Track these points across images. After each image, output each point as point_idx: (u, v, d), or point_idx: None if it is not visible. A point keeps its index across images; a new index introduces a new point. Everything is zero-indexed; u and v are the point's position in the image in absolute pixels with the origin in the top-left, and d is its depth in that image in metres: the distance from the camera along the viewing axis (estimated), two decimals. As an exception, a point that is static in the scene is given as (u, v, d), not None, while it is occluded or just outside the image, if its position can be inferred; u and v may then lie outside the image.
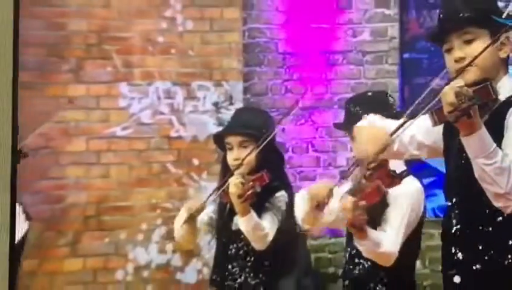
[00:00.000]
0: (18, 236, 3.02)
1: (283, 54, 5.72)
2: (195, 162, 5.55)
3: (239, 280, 3.22)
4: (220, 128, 5.27)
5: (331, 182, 2.88)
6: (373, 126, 2.66)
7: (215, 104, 5.67)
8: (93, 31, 5.43)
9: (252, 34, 5.71)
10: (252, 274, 3.19)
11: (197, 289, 5.47)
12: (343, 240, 4.98)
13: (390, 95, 3.29)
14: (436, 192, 4.84)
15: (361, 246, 2.78)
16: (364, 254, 2.84)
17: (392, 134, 2.46)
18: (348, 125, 3.04)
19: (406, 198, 2.89)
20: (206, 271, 5.35)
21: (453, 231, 2.38)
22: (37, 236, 4.59)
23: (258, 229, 3.10)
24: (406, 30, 5.85)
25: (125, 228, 5.35)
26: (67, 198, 4.88)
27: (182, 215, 3.26)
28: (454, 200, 2.41)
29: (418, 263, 5.21)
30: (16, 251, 2.99)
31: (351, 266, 3.02)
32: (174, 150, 5.55)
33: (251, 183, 3.07)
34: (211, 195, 3.25)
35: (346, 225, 2.74)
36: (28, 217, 3.24)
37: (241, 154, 3.21)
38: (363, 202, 2.62)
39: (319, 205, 2.80)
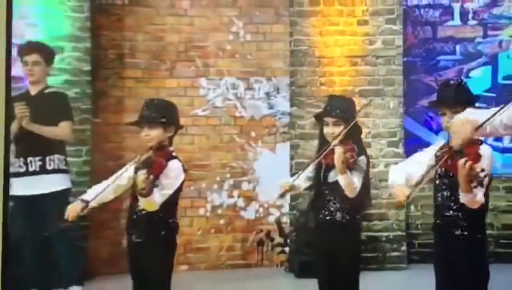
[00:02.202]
0: (178, 183, 3.50)
1: (318, 58, 6.34)
2: (253, 134, 6.54)
3: (333, 217, 3.68)
4: (271, 110, 6.37)
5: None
6: (463, 122, 2.84)
7: (267, 93, 6.62)
8: (182, 42, 6.46)
9: (296, 43, 6.35)
10: (342, 213, 3.67)
11: (254, 222, 6.50)
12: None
13: (466, 83, 3.47)
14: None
15: (465, 196, 3.03)
16: (463, 201, 3.06)
17: (477, 128, 2.75)
18: (438, 104, 3.40)
19: (487, 160, 3.12)
20: (261, 211, 6.50)
21: None
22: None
23: (351, 183, 3.55)
24: (405, 40, 6.43)
25: (205, 179, 6.33)
26: (168, 158, 6.10)
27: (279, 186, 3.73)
28: None
29: (412, 207, 6.40)
30: (177, 192, 3.53)
31: (442, 208, 3.28)
32: (237, 126, 6.54)
33: (349, 153, 3.50)
34: (310, 163, 3.68)
35: (465, 180, 2.93)
36: (184, 169, 3.64)
37: (335, 130, 3.64)
38: (470, 163, 2.91)
39: (400, 206, 3.53)
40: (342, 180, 3.55)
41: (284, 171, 6.30)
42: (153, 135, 3.55)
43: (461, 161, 2.91)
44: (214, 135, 6.46)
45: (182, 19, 6.47)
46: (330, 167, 3.63)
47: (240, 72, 6.59)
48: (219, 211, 6.49)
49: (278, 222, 6.60)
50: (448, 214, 3.22)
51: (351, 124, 3.61)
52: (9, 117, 1.74)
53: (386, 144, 6.33)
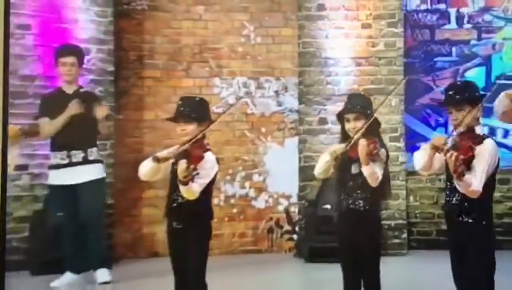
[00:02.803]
0: (213, 173, 3.63)
1: (325, 59, 6.62)
2: (263, 129, 6.83)
3: (356, 205, 3.77)
4: (280, 108, 6.65)
5: (445, 136, 3.29)
6: None
7: (276, 92, 6.90)
8: (197, 44, 6.76)
9: (304, 46, 6.64)
10: (365, 202, 3.76)
11: (265, 211, 6.77)
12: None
13: (475, 83, 3.53)
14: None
15: (458, 185, 3.17)
16: (460, 190, 3.20)
17: None
18: (445, 104, 3.42)
19: (487, 153, 3.23)
20: (271, 200, 6.76)
21: None
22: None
23: (374, 173, 3.64)
24: (404, 43, 6.63)
25: (219, 172, 5.87)
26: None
27: (325, 157, 3.75)
28: None
29: (411, 197, 6.72)
30: (212, 182, 3.67)
31: (450, 197, 3.38)
32: (249, 122, 6.82)
33: (372, 144, 3.58)
34: (343, 151, 3.69)
35: (451, 170, 3.09)
36: (218, 162, 3.73)
37: (356, 125, 3.72)
38: (461, 156, 3.06)
39: (438, 149, 3.22)
40: (365, 170, 3.65)
41: (292, 164, 6.62)
42: (189, 129, 3.68)
43: (449, 153, 3.08)
44: (227, 130, 6.71)
45: (197, 23, 6.77)
46: (353, 159, 3.73)
47: (251, 72, 6.87)
48: (232, 201, 6.77)
49: (287, 211, 6.86)
50: (454, 202, 3.34)
51: (372, 119, 3.73)
52: (7, 116, 1.68)
53: (388, 139, 6.40)
